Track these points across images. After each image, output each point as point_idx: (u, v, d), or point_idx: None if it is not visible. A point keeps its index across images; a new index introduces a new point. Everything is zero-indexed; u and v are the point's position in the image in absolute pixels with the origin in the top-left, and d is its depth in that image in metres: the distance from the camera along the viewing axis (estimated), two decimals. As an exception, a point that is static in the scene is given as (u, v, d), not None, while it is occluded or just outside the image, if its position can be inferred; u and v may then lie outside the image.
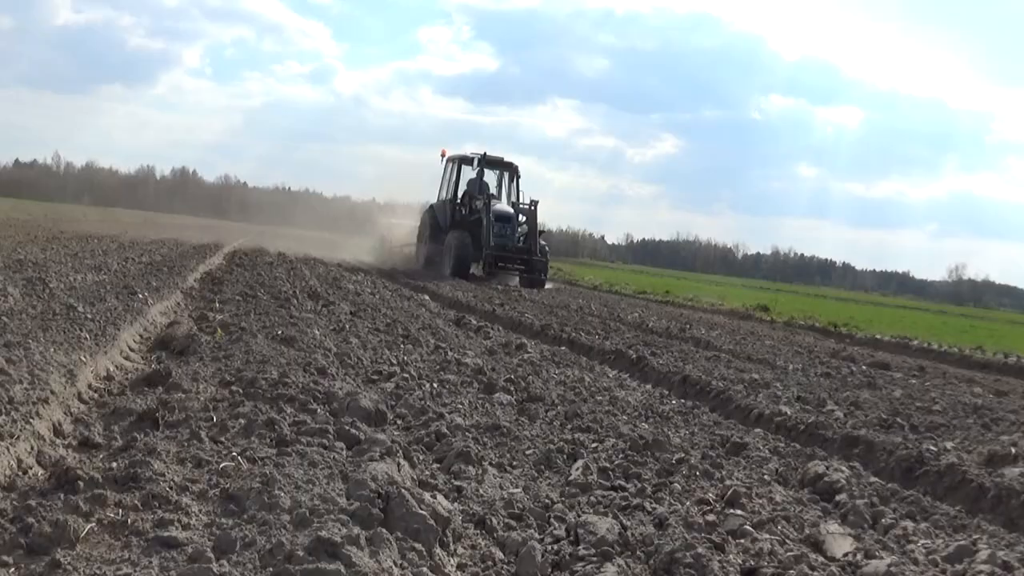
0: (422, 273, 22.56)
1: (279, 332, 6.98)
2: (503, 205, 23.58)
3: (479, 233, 22.59)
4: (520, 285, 22.61)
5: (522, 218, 23.14)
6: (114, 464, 3.26)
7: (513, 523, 3.36)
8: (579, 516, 3.38)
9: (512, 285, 22.67)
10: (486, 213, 22.44)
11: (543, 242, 23.47)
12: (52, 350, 4.73)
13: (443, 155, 25.75)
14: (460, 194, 24.60)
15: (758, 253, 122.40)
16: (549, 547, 3.11)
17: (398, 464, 3.55)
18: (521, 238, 23.01)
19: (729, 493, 3.86)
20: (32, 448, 3.29)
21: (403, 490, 3.02)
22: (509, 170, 25.03)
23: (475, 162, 24.16)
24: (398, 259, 26.70)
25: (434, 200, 26.17)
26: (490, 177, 24.93)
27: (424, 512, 2.92)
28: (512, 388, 6.13)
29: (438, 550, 2.86)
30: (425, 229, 25.47)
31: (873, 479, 4.48)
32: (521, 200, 24.06)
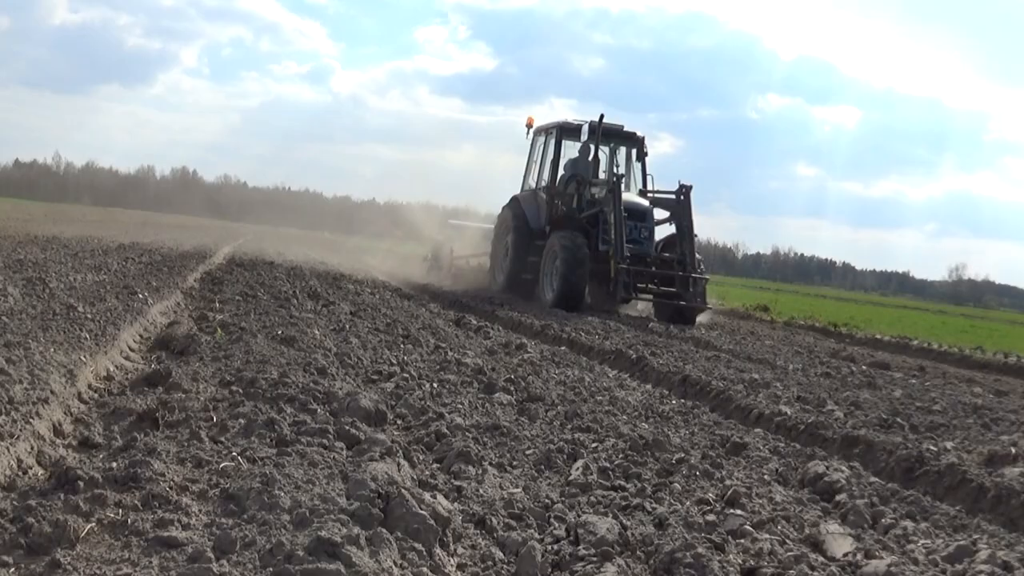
0: (502, 299, 15.17)
1: (279, 332, 6.98)
2: (635, 195, 15.93)
3: (595, 237, 15.10)
4: (658, 317, 14.93)
5: (657, 214, 15.67)
6: (114, 464, 3.26)
7: (513, 523, 3.36)
8: (579, 516, 3.38)
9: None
10: (613, 205, 14.56)
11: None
12: (52, 350, 4.73)
13: (530, 125, 17.81)
14: (561, 179, 16.61)
15: (758, 253, 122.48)
16: (549, 547, 3.11)
17: (398, 464, 3.55)
18: (659, 245, 15.51)
19: (729, 493, 3.86)
20: (32, 448, 3.29)
21: (403, 490, 3.02)
22: (631, 144, 16.85)
23: (584, 132, 16.00)
24: (463, 277, 18.98)
25: (517, 190, 17.77)
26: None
27: (424, 512, 2.92)
28: (512, 388, 6.13)
29: (438, 550, 2.86)
30: (506, 232, 16.85)
31: (873, 479, 4.48)
32: (651, 187, 16.33)
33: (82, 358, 4.77)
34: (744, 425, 5.96)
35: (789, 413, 6.07)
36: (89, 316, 6.24)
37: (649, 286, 15.07)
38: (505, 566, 2.97)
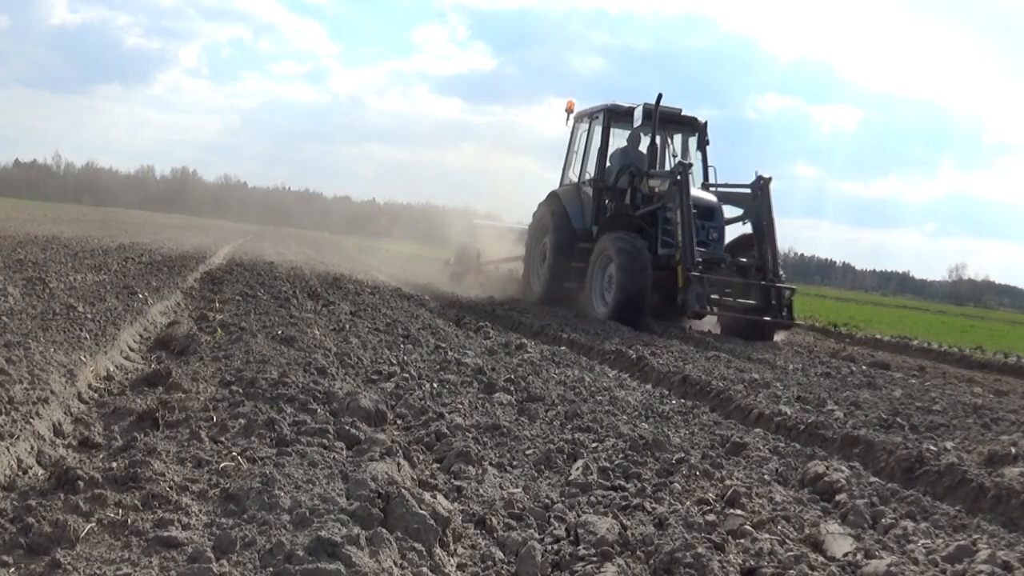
0: (541, 311, 13.12)
1: (279, 332, 6.98)
2: (698, 189, 13.65)
3: (655, 238, 13.01)
4: (724, 332, 12.87)
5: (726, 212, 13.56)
6: (114, 464, 3.26)
7: (513, 523, 3.36)
8: (579, 516, 3.38)
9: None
10: (679, 200, 12.50)
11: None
12: (52, 350, 4.73)
13: (570, 109, 15.61)
14: (612, 168, 14.41)
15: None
16: (549, 547, 3.11)
17: (398, 464, 3.55)
18: (727, 248, 13.36)
19: (729, 493, 3.86)
20: (32, 448, 3.29)
21: (403, 490, 3.02)
22: (689, 130, 14.66)
23: (637, 116, 13.73)
24: (492, 284, 16.86)
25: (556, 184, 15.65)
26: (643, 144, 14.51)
27: (424, 512, 2.92)
28: (512, 388, 6.13)
29: (438, 550, 2.87)
30: (543, 232, 14.94)
31: (873, 479, 4.48)
32: (714, 180, 14.03)
33: (82, 358, 4.77)
34: (744, 425, 5.97)
35: (789, 413, 6.07)
36: (89, 316, 6.24)
37: (724, 298, 12.63)
38: (505, 566, 2.97)
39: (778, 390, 7.28)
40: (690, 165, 13.39)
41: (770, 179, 13.21)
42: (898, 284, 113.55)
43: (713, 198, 13.62)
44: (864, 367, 10.58)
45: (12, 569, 2.40)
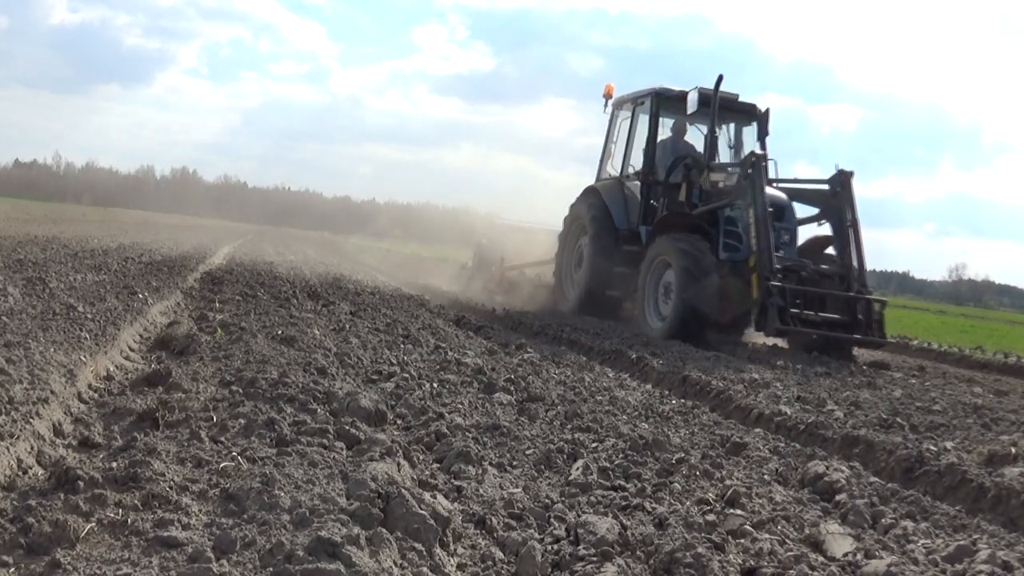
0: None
1: (279, 332, 6.99)
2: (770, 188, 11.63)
3: (716, 240, 11.32)
4: (795, 348, 11.11)
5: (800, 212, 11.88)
6: (114, 464, 3.26)
7: (513, 523, 3.36)
8: (579, 516, 3.38)
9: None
10: (753, 197, 10.88)
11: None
12: (52, 350, 4.73)
13: (608, 95, 13.82)
14: (658, 161, 12.72)
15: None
16: (549, 547, 3.11)
17: (398, 464, 3.55)
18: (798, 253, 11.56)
19: (729, 493, 3.86)
20: (32, 448, 3.29)
21: (403, 490, 3.02)
22: (746, 119, 13.01)
23: (692, 102, 11.98)
24: (518, 291, 15.58)
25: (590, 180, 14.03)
26: (693, 135, 13.04)
27: (424, 512, 2.92)
28: (512, 388, 6.13)
29: (438, 550, 2.86)
30: (579, 233, 13.50)
31: (873, 479, 4.48)
32: (775, 175, 12.14)
33: (82, 358, 4.77)
34: (744, 425, 5.97)
35: (789, 413, 6.07)
36: (89, 316, 6.24)
37: (805, 312, 10.63)
38: (505, 566, 2.97)
39: (778, 390, 7.28)
40: (763, 156, 11.57)
41: (852, 173, 11.35)
42: (898, 284, 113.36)
43: (783, 195, 11.75)
44: (864, 367, 10.58)
45: (12, 569, 2.41)
